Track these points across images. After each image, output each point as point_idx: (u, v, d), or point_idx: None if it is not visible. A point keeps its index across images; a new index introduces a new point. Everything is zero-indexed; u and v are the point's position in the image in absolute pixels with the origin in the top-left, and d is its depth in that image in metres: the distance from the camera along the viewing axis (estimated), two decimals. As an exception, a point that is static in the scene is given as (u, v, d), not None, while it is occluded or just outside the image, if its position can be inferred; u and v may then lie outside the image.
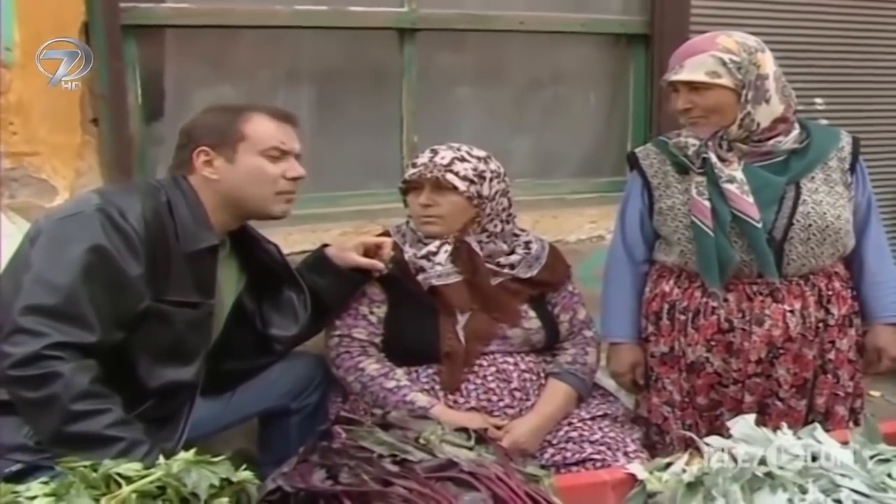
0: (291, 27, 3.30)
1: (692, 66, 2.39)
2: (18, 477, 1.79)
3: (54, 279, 1.94)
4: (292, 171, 2.28)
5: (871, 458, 1.65)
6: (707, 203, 2.43)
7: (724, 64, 2.36)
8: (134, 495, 1.35)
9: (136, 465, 1.43)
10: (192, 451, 1.45)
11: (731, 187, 2.40)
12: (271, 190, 2.26)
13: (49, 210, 2.58)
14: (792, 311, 2.50)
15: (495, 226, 2.58)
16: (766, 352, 2.52)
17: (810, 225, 2.44)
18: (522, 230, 2.74)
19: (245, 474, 1.47)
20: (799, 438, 1.71)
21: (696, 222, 2.45)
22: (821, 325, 2.54)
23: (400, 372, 2.53)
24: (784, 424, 1.79)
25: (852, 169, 2.52)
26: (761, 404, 2.58)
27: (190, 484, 1.38)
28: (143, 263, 2.04)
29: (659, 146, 2.63)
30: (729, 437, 1.75)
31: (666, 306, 2.63)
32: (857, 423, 2.54)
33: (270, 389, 2.59)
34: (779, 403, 2.57)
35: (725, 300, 2.53)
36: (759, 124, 2.40)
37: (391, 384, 2.49)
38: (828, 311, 2.54)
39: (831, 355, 2.57)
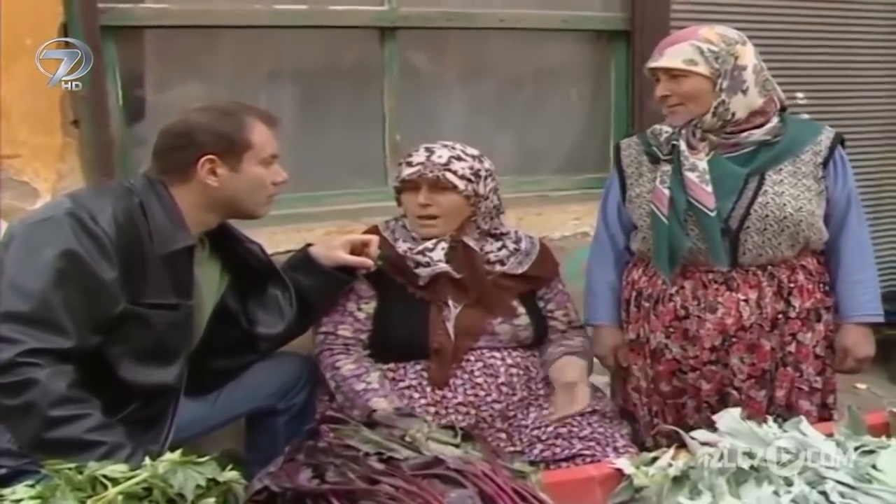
0: (272, 27, 3.29)
1: (671, 55, 2.43)
2: (2, 482, 1.77)
3: (27, 285, 1.93)
4: (280, 176, 2.29)
5: (856, 449, 1.66)
6: (667, 191, 2.46)
7: (701, 53, 2.39)
8: (120, 497, 1.35)
9: (122, 467, 1.43)
10: (179, 451, 1.45)
11: (692, 175, 2.43)
12: (265, 195, 2.29)
13: (25, 214, 2.56)
14: (746, 301, 2.52)
15: (486, 223, 2.61)
16: (721, 340, 2.55)
17: (767, 215, 2.44)
18: (508, 230, 2.75)
19: (231, 474, 1.47)
20: (785, 431, 1.73)
21: (654, 209, 2.49)
22: (780, 316, 2.54)
23: (374, 375, 2.52)
24: (769, 417, 1.81)
25: (826, 163, 2.51)
26: (721, 393, 2.61)
27: (176, 485, 1.38)
28: (117, 267, 2.02)
29: (640, 137, 2.66)
30: (696, 426, 1.77)
31: (634, 294, 2.68)
32: (829, 419, 2.55)
33: (257, 390, 2.58)
34: (735, 393, 2.59)
35: (682, 287, 2.56)
36: (734, 114, 2.42)
37: (360, 387, 2.48)
38: (789, 304, 2.54)
39: (791, 348, 2.57)
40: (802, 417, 1.80)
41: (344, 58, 3.50)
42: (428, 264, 2.52)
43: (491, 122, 3.79)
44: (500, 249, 2.65)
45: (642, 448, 2.54)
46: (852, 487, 1.55)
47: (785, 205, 2.44)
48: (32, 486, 1.41)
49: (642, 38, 3.70)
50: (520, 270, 2.65)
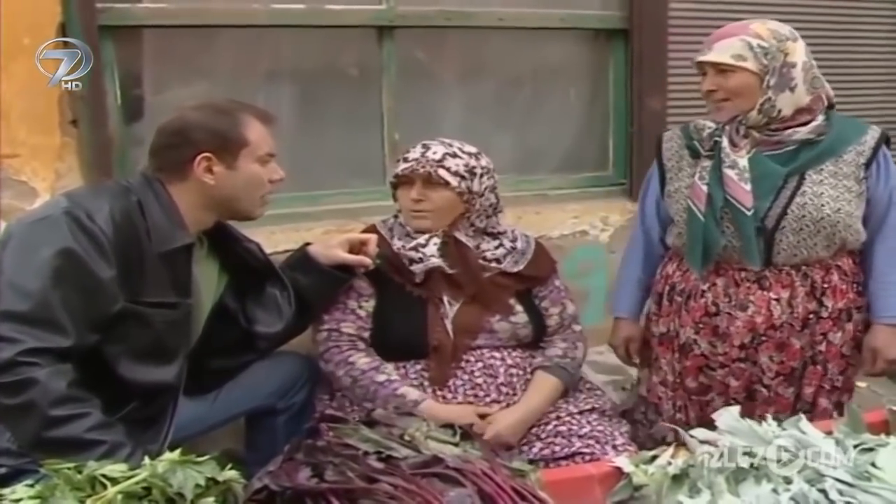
0: (269, 26, 3.29)
1: (720, 49, 2.41)
2: (2, 481, 1.77)
3: (25, 284, 1.92)
4: (276, 174, 2.29)
5: (855, 447, 1.66)
6: (705, 187, 2.45)
7: (751, 48, 2.38)
8: (119, 496, 1.35)
9: (122, 467, 1.42)
10: (178, 451, 1.45)
11: (731, 173, 2.41)
12: (260, 194, 2.28)
13: (23, 213, 2.56)
14: (777, 300, 2.51)
15: (481, 221, 2.60)
16: (750, 338, 2.54)
17: (804, 216, 2.42)
18: (505, 229, 2.74)
19: (231, 473, 1.46)
20: (784, 430, 1.72)
21: (691, 205, 2.48)
22: (812, 316, 2.53)
23: (390, 366, 2.53)
24: (769, 415, 1.80)
25: (868, 164, 2.47)
26: (749, 390, 2.60)
27: (175, 484, 1.38)
28: (115, 265, 2.02)
29: (682, 131, 2.64)
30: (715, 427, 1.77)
31: (667, 288, 2.68)
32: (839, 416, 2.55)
33: (257, 389, 2.58)
34: (764, 390, 2.59)
35: (714, 284, 2.56)
36: (780, 111, 2.40)
37: (382, 378, 2.48)
38: (821, 304, 2.52)
39: (822, 347, 2.56)
40: (802, 416, 1.80)
41: (342, 57, 3.50)
42: (421, 260, 2.52)
43: (489, 121, 3.78)
44: (496, 248, 2.64)
45: (662, 442, 2.54)
46: (851, 485, 1.55)
47: (823, 206, 2.42)
48: (32, 485, 1.41)
49: (640, 37, 3.71)
50: (515, 269, 2.64)
